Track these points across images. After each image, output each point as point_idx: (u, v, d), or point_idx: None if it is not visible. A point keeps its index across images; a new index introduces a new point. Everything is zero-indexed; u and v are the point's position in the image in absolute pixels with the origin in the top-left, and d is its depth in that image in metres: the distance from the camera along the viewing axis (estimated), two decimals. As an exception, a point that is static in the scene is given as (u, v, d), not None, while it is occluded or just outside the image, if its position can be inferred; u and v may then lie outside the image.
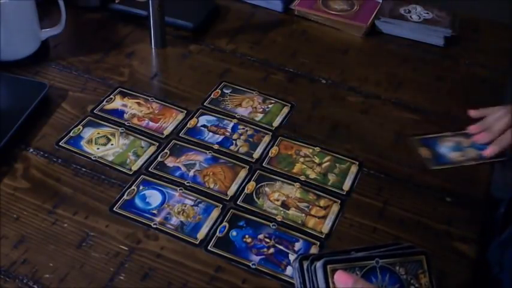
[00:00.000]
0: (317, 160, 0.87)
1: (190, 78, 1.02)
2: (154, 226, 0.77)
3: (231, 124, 0.92)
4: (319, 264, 0.58)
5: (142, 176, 0.84)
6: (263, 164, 0.86)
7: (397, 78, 1.04)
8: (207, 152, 0.87)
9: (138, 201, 0.80)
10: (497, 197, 0.96)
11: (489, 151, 0.88)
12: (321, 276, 0.58)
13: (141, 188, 0.82)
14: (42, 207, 0.79)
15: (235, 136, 0.90)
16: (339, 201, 0.82)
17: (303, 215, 0.80)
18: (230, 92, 0.99)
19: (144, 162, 0.86)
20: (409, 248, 0.63)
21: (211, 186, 0.83)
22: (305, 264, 0.60)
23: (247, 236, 0.76)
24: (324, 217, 0.80)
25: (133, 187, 0.82)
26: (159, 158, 0.86)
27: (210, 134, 0.91)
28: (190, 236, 0.76)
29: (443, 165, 0.87)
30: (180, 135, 0.90)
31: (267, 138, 0.91)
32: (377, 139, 0.92)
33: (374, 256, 0.60)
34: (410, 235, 0.78)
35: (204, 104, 0.96)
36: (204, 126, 0.92)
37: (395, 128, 0.94)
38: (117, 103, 0.95)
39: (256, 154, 0.88)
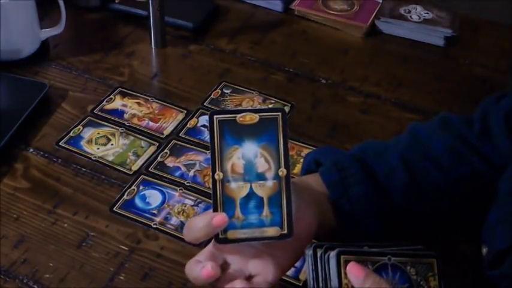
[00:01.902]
0: (317, 160, 0.87)
1: (190, 78, 1.02)
2: (154, 226, 0.77)
3: (231, 124, 0.92)
4: (332, 254, 0.59)
5: (142, 176, 0.84)
6: (263, 164, 0.86)
7: (397, 78, 1.04)
8: (207, 152, 0.87)
9: (138, 201, 0.80)
10: None
11: None
12: (333, 265, 0.58)
13: (141, 188, 0.82)
14: (42, 207, 0.79)
15: (235, 136, 0.90)
16: (339, 201, 0.82)
17: (303, 215, 0.79)
18: (230, 92, 0.99)
19: (144, 162, 0.86)
20: (421, 249, 0.63)
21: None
22: (319, 252, 0.60)
23: (247, 236, 0.76)
24: (324, 217, 0.79)
25: (133, 187, 0.82)
26: (159, 158, 0.86)
27: (210, 134, 0.90)
28: (190, 236, 0.76)
29: None
30: (180, 135, 0.90)
31: (267, 138, 0.90)
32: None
33: (387, 253, 0.60)
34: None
35: (204, 104, 0.96)
36: (204, 126, 0.92)
37: (395, 128, 0.94)
38: (117, 103, 0.95)
39: (256, 154, 0.88)
